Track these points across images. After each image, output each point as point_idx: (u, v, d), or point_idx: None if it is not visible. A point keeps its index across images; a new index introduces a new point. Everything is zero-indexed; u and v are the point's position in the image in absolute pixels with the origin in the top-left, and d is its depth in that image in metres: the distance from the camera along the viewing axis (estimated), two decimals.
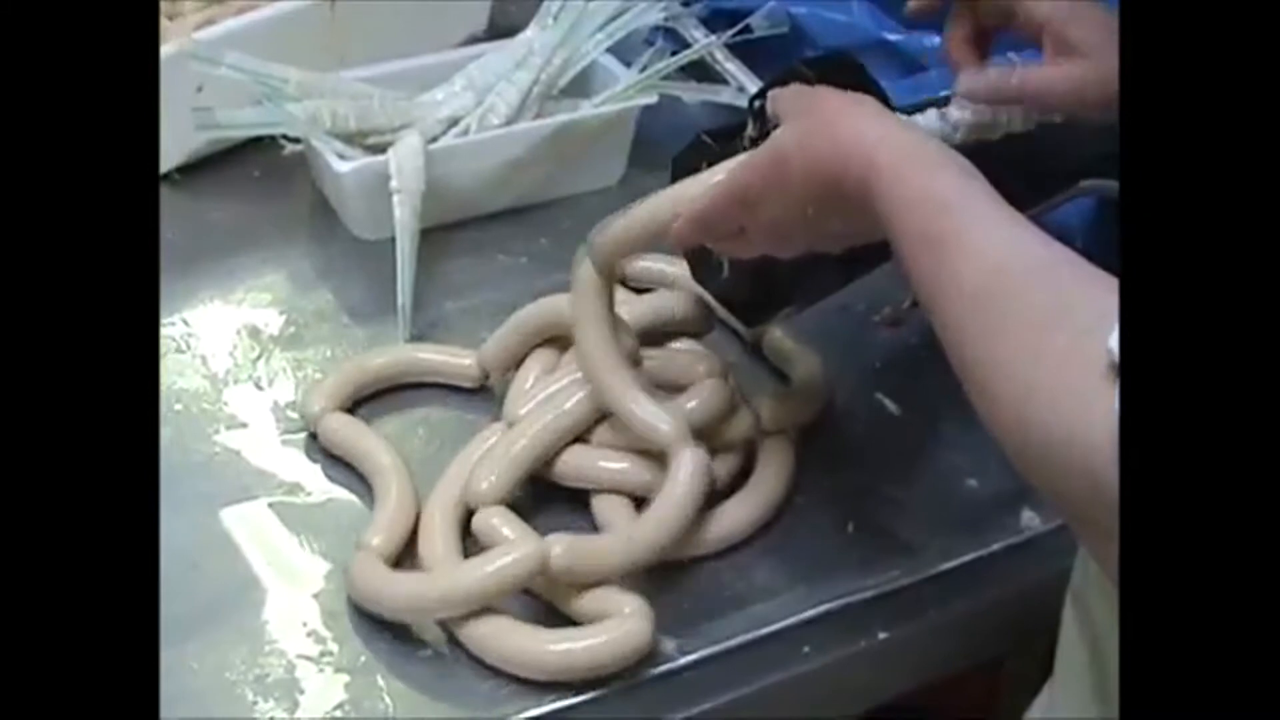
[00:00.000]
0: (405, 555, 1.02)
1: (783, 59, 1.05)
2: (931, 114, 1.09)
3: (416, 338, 1.21)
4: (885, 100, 0.99)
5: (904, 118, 1.00)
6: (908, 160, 0.83)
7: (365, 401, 1.15)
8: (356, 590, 0.98)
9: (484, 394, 1.16)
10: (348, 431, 1.10)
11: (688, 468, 1.01)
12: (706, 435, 1.07)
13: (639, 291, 1.15)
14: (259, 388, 1.16)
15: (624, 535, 1.01)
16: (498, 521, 1.01)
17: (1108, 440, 0.62)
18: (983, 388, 0.74)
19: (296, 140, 1.28)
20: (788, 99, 0.93)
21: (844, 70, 0.99)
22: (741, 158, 0.93)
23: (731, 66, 1.41)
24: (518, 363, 1.14)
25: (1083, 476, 0.65)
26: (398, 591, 0.98)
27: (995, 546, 1.09)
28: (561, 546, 0.97)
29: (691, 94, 1.38)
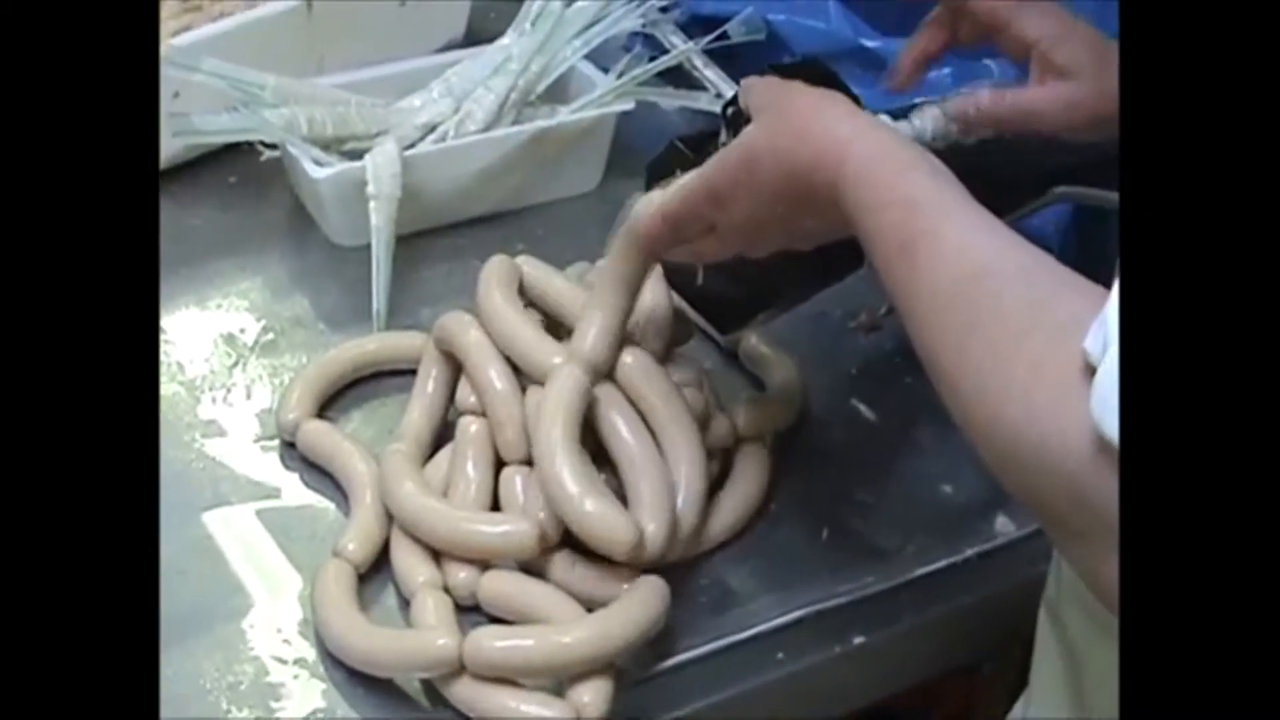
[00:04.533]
0: (381, 561, 1.02)
1: (760, 65, 1.05)
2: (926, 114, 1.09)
3: None
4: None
5: (880, 118, 1.00)
6: (879, 160, 0.83)
7: (339, 396, 1.16)
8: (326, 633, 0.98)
9: None
10: (323, 439, 1.10)
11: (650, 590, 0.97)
12: None
13: None
14: (235, 395, 1.16)
15: (556, 638, 0.93)
16: (432, 604, 0.97)
17: (1083, 441, 0.63)
18: (955, 389, 0.74)
19: (273, 146, 1.28)
20: (759, 94, 0.93)
21: (816, 77, 1.00)
22: (713, 157, 0.94)
23: (709, 73, 1.41)
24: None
25: (1056, 478, 0.65)
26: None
27: (969, 552, 1.09)
28: (480, 641, 0.93)
29: (669, 100, 1.39)
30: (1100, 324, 0.63)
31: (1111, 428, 0.61)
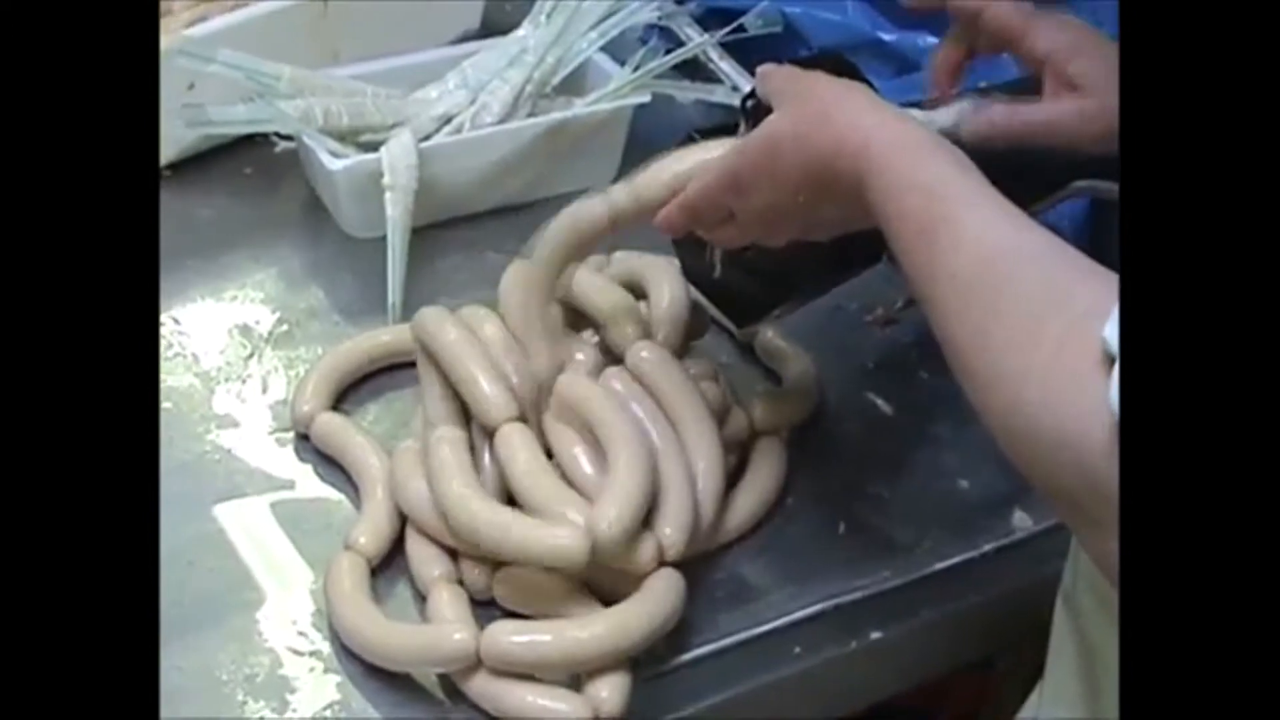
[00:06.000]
0: (395, 553, 1.02)
1: (776, 58, 1.05)
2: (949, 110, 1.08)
3: None
4: None
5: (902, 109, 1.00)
6: (901, 147, 0.83)
7: (355, 388, 1.16)
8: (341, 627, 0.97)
9: None
10: (336, 432, 1.09)
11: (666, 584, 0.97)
12: None
13: (636, 295, 1.15)
14: (250, 386, 1.16)
15: (573, 633, 0.93)
16: (448, 598, 0.97)
17: (1099, 428, 0.63)
18: (974, 372, 0.74)
19: (289, 138, 1.28)
20: (779, 82, 0.93)
21: (834, 70, 0.99)
22: (731, 143, 0.93)
23: (725, 65, 1.40)
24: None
25: (1073, 463, 0.66)
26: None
27: (986, 547, 1.09)
28: (497, 636, 0.92)
29: (685, 92, 1.38)
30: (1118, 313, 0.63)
31: None
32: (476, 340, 1.06)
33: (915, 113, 1.03)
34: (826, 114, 0.87)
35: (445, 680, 0.95)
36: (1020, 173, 1.07)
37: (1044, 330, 0.69)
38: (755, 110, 0.97)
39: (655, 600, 0.95)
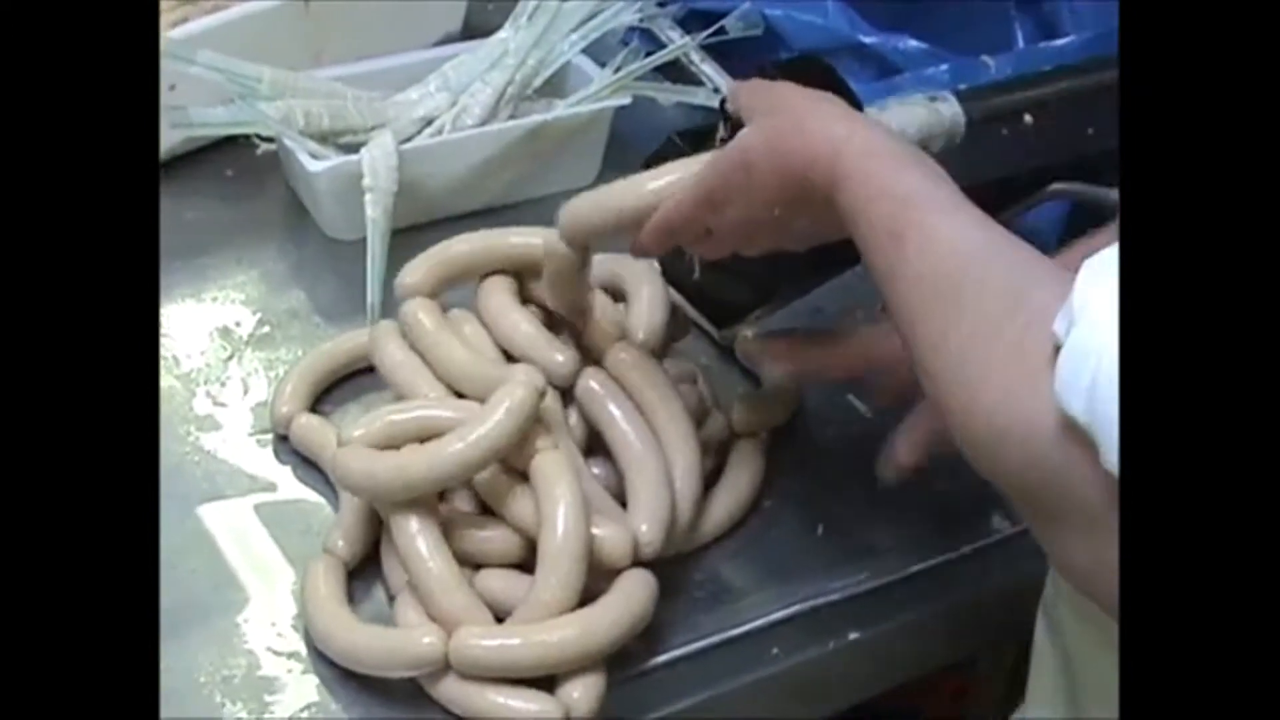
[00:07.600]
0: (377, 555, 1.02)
1: (757, 60, 1.05)
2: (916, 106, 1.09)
3: None
4: (856, 104, 0.99)
5: (873, 116, 1.00)
6: (874, 157, 0.83)
7: (335, 389, 1.16)
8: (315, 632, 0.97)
9: None
10: (313, 434, 1.09)
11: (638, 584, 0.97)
12: None
13: (615, 297, 1.15)
14: (231, 388, 1.16)
15: (542, 637, 0.92)
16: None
17: (1049, 421, 0.64)
18: (935, 374, 0.75)
19: (269, 139, 1.28)
20: (751, 96, 0.93)
21: (814, 73, 1.00)
22: (706, 158, 0.93)
23: (707, 67, 1.41)
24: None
25: (1028, 459, 0.67)
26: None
27: (965, 549, 1.09)
28: (466, 640, 0.92)
29: (666, 95, 1.39)
30: (1068, 308, 0.64)
31: (1071, 406, 0.62)
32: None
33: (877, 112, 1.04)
34: (798, 126, 0.87)
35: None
36: (997, 176, 1.09)
37: (1005, 331, 0.70)
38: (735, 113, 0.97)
39: (627, 601, 0.94)
